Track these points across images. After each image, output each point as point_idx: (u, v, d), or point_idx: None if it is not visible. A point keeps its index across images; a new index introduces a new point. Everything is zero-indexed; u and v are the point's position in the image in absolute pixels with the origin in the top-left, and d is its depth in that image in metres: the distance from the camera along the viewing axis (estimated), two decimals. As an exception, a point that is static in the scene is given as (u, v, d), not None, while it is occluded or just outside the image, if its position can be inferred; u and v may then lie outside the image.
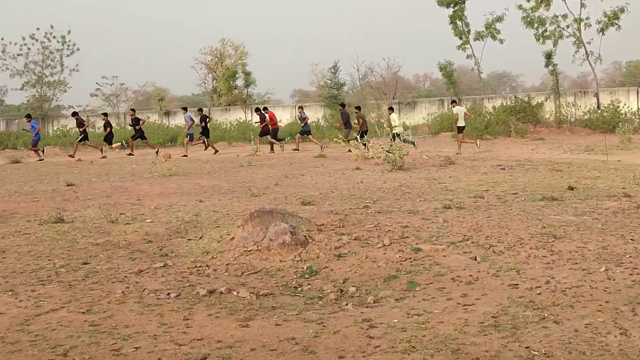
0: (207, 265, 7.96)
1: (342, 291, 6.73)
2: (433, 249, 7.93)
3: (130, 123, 31.81)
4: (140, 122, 30.94)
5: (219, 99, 50.90)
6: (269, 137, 29.69)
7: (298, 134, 31.36)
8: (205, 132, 30.06)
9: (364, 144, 23.62)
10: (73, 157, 28.63)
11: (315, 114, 42.88)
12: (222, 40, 52.47)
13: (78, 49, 51.44)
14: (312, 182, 16.16)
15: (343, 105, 30.37)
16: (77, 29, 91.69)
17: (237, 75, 50.49)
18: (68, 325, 5.66)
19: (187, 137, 30.66)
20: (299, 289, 6.94)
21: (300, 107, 33.18)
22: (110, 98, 54.20)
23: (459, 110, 26.66)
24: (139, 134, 30.74)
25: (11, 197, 15.08)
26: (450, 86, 44.22)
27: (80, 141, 30.25)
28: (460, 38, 43.57)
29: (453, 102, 29.16)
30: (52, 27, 50.40)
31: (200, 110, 32.55)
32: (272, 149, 29.30)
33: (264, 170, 20.07)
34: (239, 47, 52.13)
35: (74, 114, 31.85)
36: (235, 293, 6.68)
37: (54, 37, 50.55)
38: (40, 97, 51.64)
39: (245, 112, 46.82)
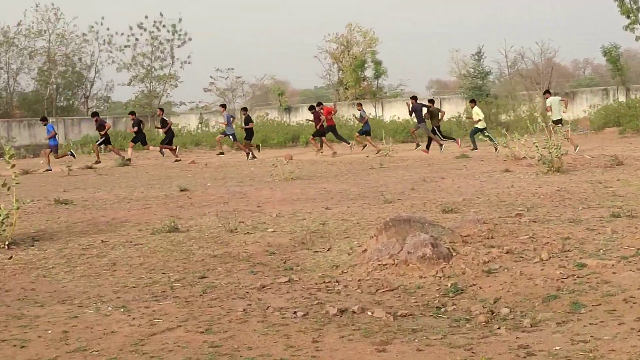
0: (336, 281, 8.03)
1: (492, 312, 6.65)
2: (600, 264, 7.71)
3: (157, 124, 32.30)
4: (168, 124, 31.73)
5: (346, 92, 51.17)
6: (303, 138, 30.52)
7: (357, 134, 32.11)
8: (249, 134, 30.75)
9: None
10: (100, 162, 29.64)
11: (456, 108, 42.58)
12: (348, 25, 52.70)
13: (190, 39, 52.94)
14: (454, 187, 16.05)
15: (415, 98, 30.81)
16: (188, 16, 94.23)
17: (365, 65, 50.75)
18: (186, 346, 5.81)
19: (222, 135, 31.97)
20: (443, 310, 6.91)
21: (359, 105, 33.65)
22: (225, 93, 55.25)
23: (553, 101, 26.12)
24: (169, 138, 31.43)
25: (120, 203, 15.71)
26: (616, 73, 42.91)
27: (100, 145, 31.24)
28: (628, 17, 42.08)
29: (546, 92, 28.51)
30: (161, 14, 52.11)
31: (245, 109, 33.01)
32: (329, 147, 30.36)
33: (397, 172, 20.10)
34: (368, 32, 52.25)
35: (94, 114, 32.57)
36: (369, 313, 6.71)
37: (163, 26, 52.19)
38: (149, 92, 53.30)
39: (375, 107, 46.98)
